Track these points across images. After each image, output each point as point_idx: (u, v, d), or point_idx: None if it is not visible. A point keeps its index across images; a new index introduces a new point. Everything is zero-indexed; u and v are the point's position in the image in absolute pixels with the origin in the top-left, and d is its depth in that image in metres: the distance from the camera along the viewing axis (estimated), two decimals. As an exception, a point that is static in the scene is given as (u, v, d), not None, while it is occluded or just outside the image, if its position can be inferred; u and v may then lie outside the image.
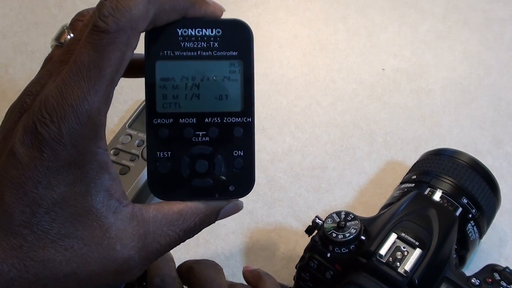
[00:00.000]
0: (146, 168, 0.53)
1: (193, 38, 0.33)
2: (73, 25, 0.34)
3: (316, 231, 0.43)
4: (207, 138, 0.33)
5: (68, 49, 0.30)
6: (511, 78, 0.67)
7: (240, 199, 0.35)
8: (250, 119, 0.33)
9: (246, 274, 0.42)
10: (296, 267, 0.45)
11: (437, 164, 0.49)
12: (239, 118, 0.33)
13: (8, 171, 0.28)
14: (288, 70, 0.68)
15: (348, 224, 0.41)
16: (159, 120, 0.33)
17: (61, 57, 0.30)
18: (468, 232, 0.46)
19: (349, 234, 0.40)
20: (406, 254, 0.39)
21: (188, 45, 0.33)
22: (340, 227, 0.41)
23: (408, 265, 0.38)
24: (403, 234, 0.39)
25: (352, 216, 0.42)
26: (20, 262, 0.27)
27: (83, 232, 0.29)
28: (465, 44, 0.71)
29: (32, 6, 0.76)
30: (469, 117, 0.63)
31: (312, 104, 0.64)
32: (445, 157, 0.50)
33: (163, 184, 0.33)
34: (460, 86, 0.66)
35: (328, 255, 0.41)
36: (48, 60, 0.32)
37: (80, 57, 0.28)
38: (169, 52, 0.33)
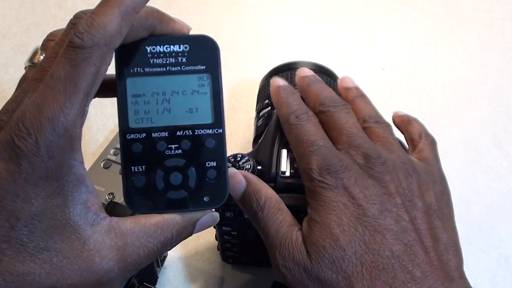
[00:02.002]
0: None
1: (162, 55, 0.34)
2: (45, 45, 0.35)
3: None
4: (180, 151, 0.34)
5: (42, 67, 0.31)
6: (511, 78, 0.67)
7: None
8: (221, 130, 0.34)
9: (396, 119, 0.44)
10: (214, 227, 0.45)
11: None
12: (210, 130, 0.34)
13: None
14: (288, 70, 0.68)
15: (241, 163, 0.42)
16: (132, 135, 0.34)
17: (35, 75, 0.31)
18: None
19: (246, 171, 0.41)
20: None
21: (157, 62, 0.34)
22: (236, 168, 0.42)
23: None
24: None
25: (241, 155, 0.43)
26: None
27: (62, 244, 0.29)
28: (465, 44, 0.71)
29: (32, 6, 0.76)
30: (469, 117, 0.63)
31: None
32: (285, 74, 0.52)
33: (139, 198, 0.33)
34: (460, 86, 0.66)
35: None
36: (22, 80, 0.33)
37: (56, 72, 0.29)
38: (139, 69, 0.34)
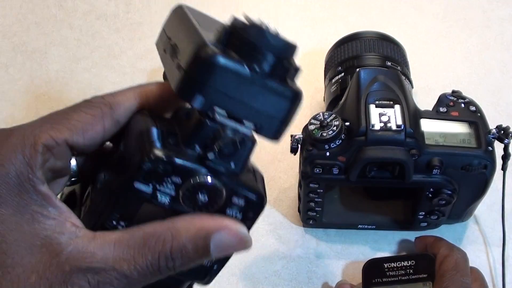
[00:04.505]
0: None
1: (395, 269, 0.46)
2: None
3: (300, 148, 0.47)
4: None
5: None
6: (511, 78, 0.67)
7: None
8: None
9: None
10: (300, 186, 0.48)
11: (350, 49, 0.55)
12: None
13: None
14: (288, 70, 0.67)
15: (329, 120, 0.45)
16: None
17: None
18: (406, 83, 0.51)
19: (335, 127, 0.44)
20: (389, 114, 0.44)
21: (392, 273, 0.46)
22: (323, 126, 0.45)
23: (397, 120, 0.44)
24: (377, 102, 0.45)
25: (327, 114, 0.46)
26: None
27: (30, 259, 0.27)
28: (465, 44, 0.71)
29: (32, 6, 0.76)
30: (469, 117, 0.63)
31: (312, 103, 0.64)
32: (354, 42, 0.56)
33: None
34: (460, 86, 0.66)
35: (327, 154, 0.45)
36: None
37: None
38: (378, 279, 0.46)
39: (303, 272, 0.51)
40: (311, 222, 0.52)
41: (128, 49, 0.72)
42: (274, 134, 0.29)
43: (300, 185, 0.48)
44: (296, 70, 0.28)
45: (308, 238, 0.53)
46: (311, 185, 0.46)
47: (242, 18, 0.28)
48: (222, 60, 0.26)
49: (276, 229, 0.54)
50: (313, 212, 0.50)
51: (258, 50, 0.27)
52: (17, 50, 0.71)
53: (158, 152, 0.27)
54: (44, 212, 0.27)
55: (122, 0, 0.77)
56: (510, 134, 0.46)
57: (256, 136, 0.30)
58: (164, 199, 0.28)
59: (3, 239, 0.27)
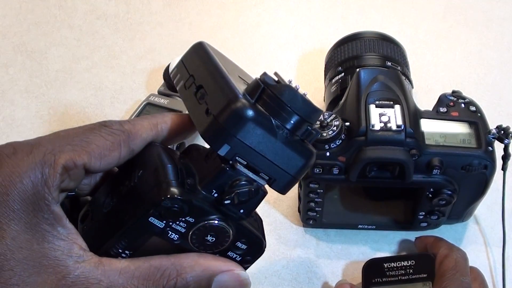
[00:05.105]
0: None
1: (395, 268, 0.45)
2: None
3: None
4: None
5: None
6: (511, 78, 0.67)
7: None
8: None
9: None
10: (300, 186, 0.48)
11: (350, 49, 0.55)
12: None
13: None
14: (288, 70, 0.68)
15: (329, 120, 0.45)
16: None
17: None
18: (406, 83, 0.51)
19: (335, 127, 0.44)
20: (389, 114, 0.44)
21: (392, 273, 0.45)
22: (324, 126, 0.45)
23: (397, 120, 0.44)
24: (377, 102, 0.44)
25: (328, 113, 0.45)
26: None
27: (36, 278, 0.27)
28: (465, 44, 0.71)
29: (32, 6, 0.76)
30: (469, 117, 0.63)
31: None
32: (354, 42, 0.56)
33: None
34: (460, 86, 0.66)
35: (327, 154, 0.45)
36: None
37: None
38: (378, 279, 0.45)
39: (303, 272, 0.51)
40: (311, 222, 0.52)
41: (128, 49, 0.72)
42: (284, 188, 0.31)
43: (300, 185, 0.48)
44: (316, 134, 0.30)
45: (308, 238, 0.53)
46: (311, 185, 0.46)
47: (273, 75, 0.29)
48: (253, 114, 0.27)
49: (276, 229, 0.54)
50: (313, 212, 0.50)
51: (287, 110, 0.28)
52: (17, 50, 0.71)
53: (178, 192, 0.28)
54: (54, 232, 0.28)
55: (122, 0, 0.77)
56: (510, 134, 0.46)
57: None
58: (174, 235, 0.29)
59: (12, 256, 0.27)
